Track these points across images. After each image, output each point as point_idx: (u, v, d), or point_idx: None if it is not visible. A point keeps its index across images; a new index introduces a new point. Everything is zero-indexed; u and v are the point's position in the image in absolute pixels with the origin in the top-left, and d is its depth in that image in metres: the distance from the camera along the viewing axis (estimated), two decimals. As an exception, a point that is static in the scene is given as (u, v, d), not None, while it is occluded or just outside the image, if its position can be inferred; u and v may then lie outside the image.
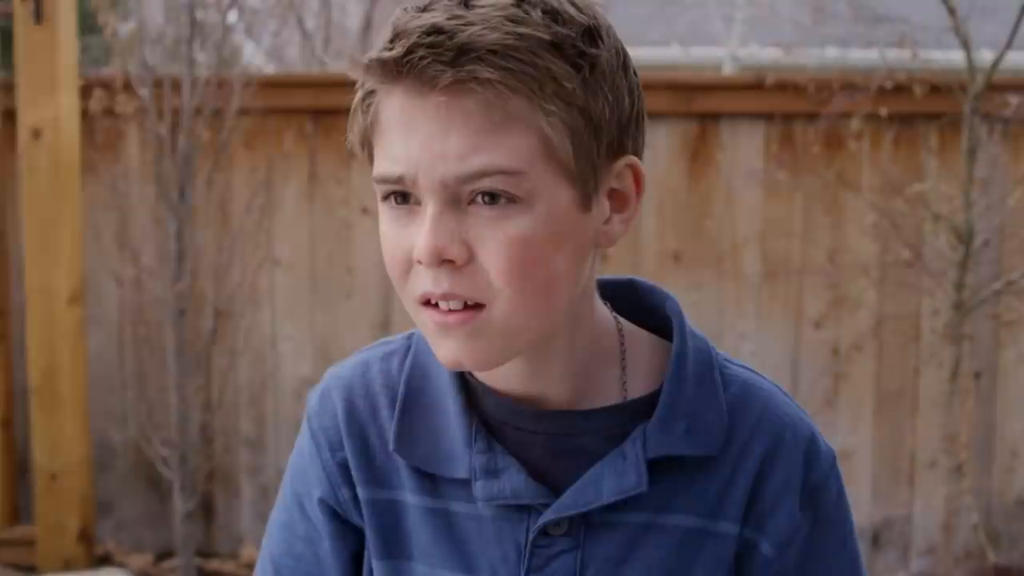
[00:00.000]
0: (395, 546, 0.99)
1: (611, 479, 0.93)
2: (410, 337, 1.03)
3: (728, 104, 3.74)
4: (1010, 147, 3.64)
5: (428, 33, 0.83)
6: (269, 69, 6.99)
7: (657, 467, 0.93)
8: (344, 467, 1.00)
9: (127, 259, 3.72)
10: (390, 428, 0.98)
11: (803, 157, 3.68)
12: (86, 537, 3.67)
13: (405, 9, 0.86)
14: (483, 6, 0.84)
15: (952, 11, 3.16)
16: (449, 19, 0.83)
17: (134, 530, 3.96)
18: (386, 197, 0.89)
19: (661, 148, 3.70)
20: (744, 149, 3.72)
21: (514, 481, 0.94)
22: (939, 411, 3.59)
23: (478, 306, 0.87)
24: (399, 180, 0.86)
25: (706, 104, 3.72)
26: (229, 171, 3.78)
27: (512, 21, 0.83)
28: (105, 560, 3.79)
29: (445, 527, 0.97)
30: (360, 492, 0.99)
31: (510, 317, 0.87)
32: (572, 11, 0.86)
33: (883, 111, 3.52)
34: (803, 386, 3.72)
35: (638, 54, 0.97)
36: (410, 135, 0.85)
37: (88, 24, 4.84)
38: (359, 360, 1.04)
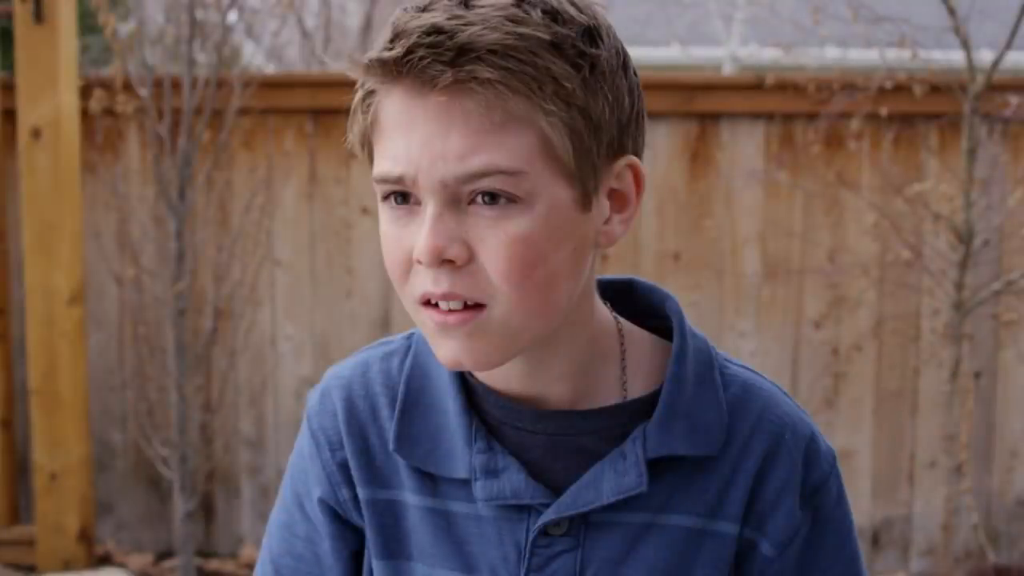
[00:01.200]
0: (395, 546, 0.99)
1: (611, 479, 0.93)
2: (410, 337, 1.03)
3: (728, 104, 3.74)
4: (1010, 147, 3.64)
5: (428, 33, 0.83)
6: (269, 69, 7.00)
7: (657, 467, 0.93)
8: (344, 467, 1.00)
9: (127, 259, 3.73)
10: (390, 428, 0.98)
11: (803, 157, 3.68)
12: (86, 537, 3.67)
13: (405, 9, 0.86)
14: (483, 6, 0.84)
15: (952, 11, 3.16)
16: (449, 19, 0.83)
17: (134, 530, 3.96)
18: (386, 197, 0.89)
19: (661, 148, 3.70)
20: (744, 149, 3.72)
21: (514, 481, 0.94)
22: (939, 411, 3.59)
23: (478, 306, 0.87)
24: (399, 180, 0.86)
25: (706, 104, 3.72)
26: (229, 171, 3.78)
27: (512, 21, 0.83)
28: (105, 560, 3.80)
29: (445, 527, 0.97)
30: (360, 492, 0.99)
31: (510, 317, 0.87)
32: (572, 11, 0.86)
33: (883, 111, 3.52)
34: (803, 386, 3.72)
35: (638, 54, 0.97)
36: (410, 135, 0.85)
37: (88, 24, 4.84)
38: (359, 360, 1.04)
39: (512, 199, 0.85)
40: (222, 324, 3.60)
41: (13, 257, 3.80)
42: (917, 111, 3.60)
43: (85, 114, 3.64)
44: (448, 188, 0.85)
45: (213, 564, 3.78)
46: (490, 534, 0.95)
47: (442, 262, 0.85)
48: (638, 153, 0.92)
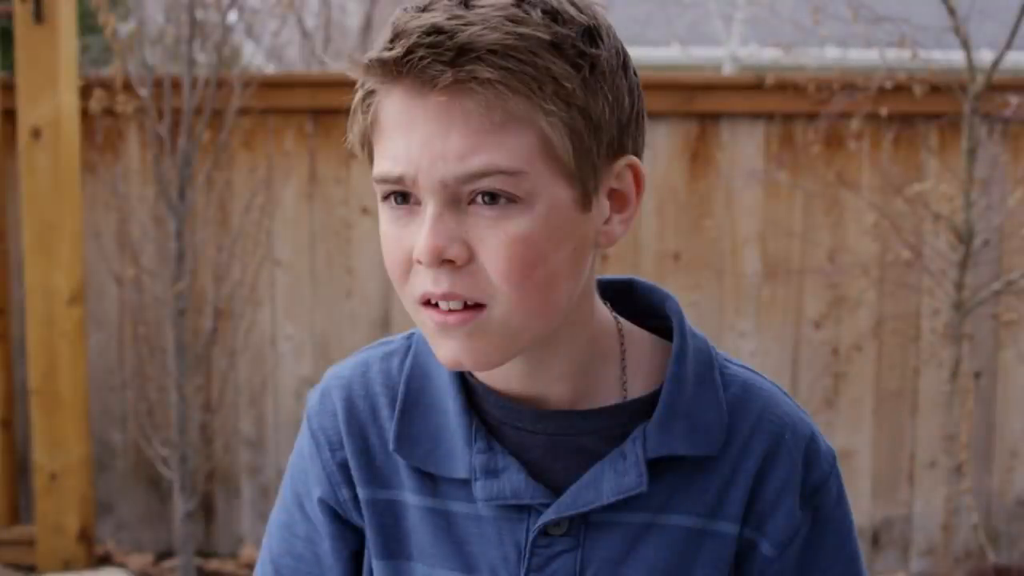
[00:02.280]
0: (395, 546, 0.99)
1: (611, 479, 0.93)
2: (410, 337, 1.03)
3: (728, 104, 3.74)
4: (1010, 147, 3.64)
5: (428, 33, 0.83)
6: (269, 69, 7.00)
7: (657, 467, 0.93)
8: (344, 467, 1.00)
9: (127, 259, 3.73)
10: (390, 428, 0.98)
11: (803, 157, 3.68)
12: (86, 537, 3.67)
13: (405, 9, 0.86)
14: (483, 6, 0.84)
15: (952, 11, 3.16)
16: (449, 19, 0.83)
17: (134, 530, 3.96)
18: (386, 197, 0.89)
19: (661, 148, 3.70)
20: (744, 149, 3.72)
21: (514, 481, 0.94)
22: (939, 411, 3.59)
23: (478, 306, 0.87)
24: (399, 180, 0.86)
25: (706, 104, 3.72)
26: (229, 171, 3.78)
27: (512, 21, 0.83)
28: (105, 560, 3.80)
29: (445, 527, 0.97)
30: (360, 492, 0.99)
31: (510, 317, 0.87)
32: (572, 11, 0.86)
33: (883, 111, 3.52)
34: (803, 386, 3.72)
35: (638, 54, 0.97)
36: (410, 135, 0.85)
37: (88, 24, 4.84)
38: (359, 360, 1.04)
39: (512, 199, 0.85)
40: (222, 324, 3.60)
41: (13, 257, 3.80)
42: (917, 111, 3.60)
43: (85, 114, 3.64)
44: (448, 188, 0.85)
45: (213, 564, 3.78)
46: (490, 534, 0.95)
47: (442, 262, 0.85)
48: (638, 153, 0.92)
